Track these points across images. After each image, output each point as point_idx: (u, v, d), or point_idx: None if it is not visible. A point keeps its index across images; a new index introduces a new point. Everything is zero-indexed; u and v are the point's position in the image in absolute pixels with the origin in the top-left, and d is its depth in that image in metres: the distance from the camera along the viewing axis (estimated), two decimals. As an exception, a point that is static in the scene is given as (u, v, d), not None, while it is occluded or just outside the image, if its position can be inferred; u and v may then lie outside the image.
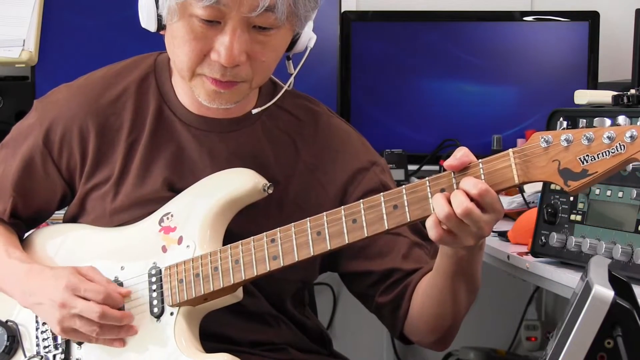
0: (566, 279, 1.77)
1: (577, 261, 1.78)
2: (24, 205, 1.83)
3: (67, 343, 1.73)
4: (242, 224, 1.70)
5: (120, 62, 1.84)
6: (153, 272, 1.69)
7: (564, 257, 1.81)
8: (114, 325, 1.66)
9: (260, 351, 1.78)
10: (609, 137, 1.38)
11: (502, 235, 2.15)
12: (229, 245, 1.64)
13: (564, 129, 1.45)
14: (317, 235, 1.56)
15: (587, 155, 1.40)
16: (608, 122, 1.39)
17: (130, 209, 1.75)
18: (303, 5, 1.64)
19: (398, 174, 2.57)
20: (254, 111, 1.75)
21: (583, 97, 1.94)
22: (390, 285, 1.76)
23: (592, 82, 2.78)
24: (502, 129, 2.77)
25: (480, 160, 1.48)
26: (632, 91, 1.84)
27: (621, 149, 1.38)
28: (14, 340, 1.75)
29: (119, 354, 1.68)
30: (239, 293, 1.67)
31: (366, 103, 2.81)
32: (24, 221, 1.86)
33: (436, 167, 2.72)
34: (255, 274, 1.61)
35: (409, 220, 1.51)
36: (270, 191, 1.68)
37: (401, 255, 1.76)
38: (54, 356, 1.73)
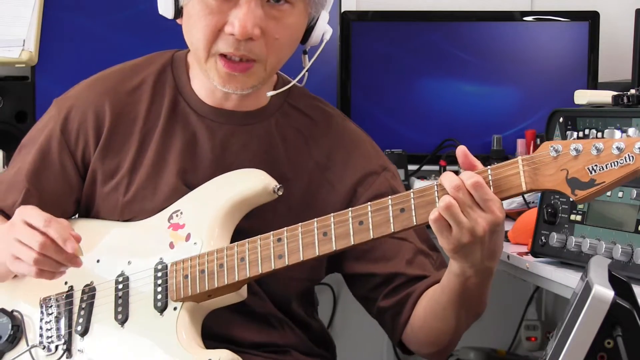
0: (566, 279, 1.77)
1: (577, 261, 1.78)
2: (38, 200, 1.79)
3: (70, 334, 1.74)
4: (249, 219, 1.71)
5: (136, 59, 1.87)
6: (159, 267, 1.70)
7: (564, 257, 1.81)
8: (54, 260, 1.63)
9: (262, 352, 1.78)
10: (618, 148, 1.39)
11: (502, 235, 2.15)
12: (235, 243, 1.65)
13: (574, 139, 1.45)
14: (324, 236, 1.57)
15: (596, 165, 1.40)
16: (618, 133, 1.40)
17: (143, 199, 1.76)
18: None
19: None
20: (269, 94, 1.76)
21: (583, 97, 1.95)
22: (393, 289, 1.77)
23: (592, 82, 2.77)
24: (502, 129, 2.76)
25: (489, 167, 1.48)
26: (632, 91, 1.84)
27: (630, 160, 1.38)
28: (18, 329, 1.77)
29: (120, 347, 1.69)
30: (243, 292, 1.68)
31: (366, 103, 2.81)
32: None
33: (436, 167, 2.72)
34: (260, 272, 1.61)
35: (415, 223, 1.51)
36: (280, 193, 1.68)
37: (405, 261, 1.76)
38: (56, 347, 1.74)
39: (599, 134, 1.83)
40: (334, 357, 1.92)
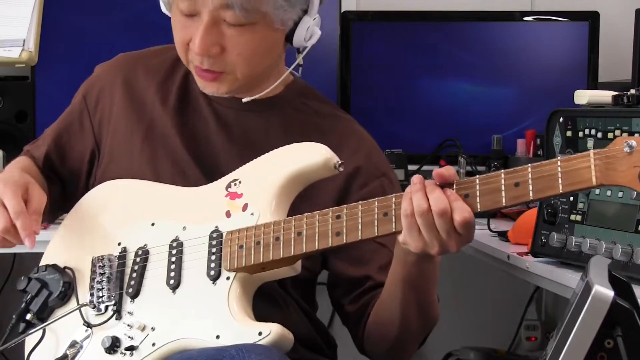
0: (566, 279, 1.77)
1: (577, 261, 1.78)
2: (57, 157, 1.92)
3: (121, 296, 1.74)
4: None
5: (162, 45, 1.97)
6: (214, 235, 1.70)
7: (564, 257, 1.81)
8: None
9: None
10: None
11: (502, 235, 2.15)
12: (292, 217, 1.64)
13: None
14: (384, 216, 1.56)
15: None
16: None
17: (155, 162, 1.82)
18: (267, 3, 1.69)
19: (398, 174, 2.56)
20: (244, 100, 1.81)
21: (583, 97, 1.94)
22: (360, 294, 1.78)
23: (592, 82, 2.77)
24: (502, 129, 2.76)
25: (558, 157, 1.45)
26: (632, 91, 1.84)
27: None
28: (69, 286, 1.77)
29: (170, 312, 1.69)
30: (297, 266, 1.67)
31: (366, 103, 2.81)
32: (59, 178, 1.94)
33: (436, 167, 2.71)
34: (317, 247, 1.61)
35: (479, 209, 1.49)
36: (342, 169, 1.66)
37: (378, 266, 1.77)
38: (106, 307, 1.74)
39: (599, 134, 1.83)
40: (335, 356, 1.92)
